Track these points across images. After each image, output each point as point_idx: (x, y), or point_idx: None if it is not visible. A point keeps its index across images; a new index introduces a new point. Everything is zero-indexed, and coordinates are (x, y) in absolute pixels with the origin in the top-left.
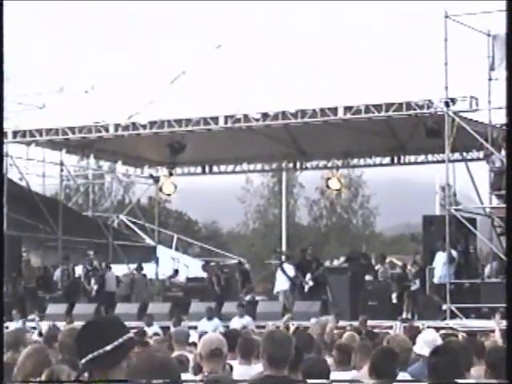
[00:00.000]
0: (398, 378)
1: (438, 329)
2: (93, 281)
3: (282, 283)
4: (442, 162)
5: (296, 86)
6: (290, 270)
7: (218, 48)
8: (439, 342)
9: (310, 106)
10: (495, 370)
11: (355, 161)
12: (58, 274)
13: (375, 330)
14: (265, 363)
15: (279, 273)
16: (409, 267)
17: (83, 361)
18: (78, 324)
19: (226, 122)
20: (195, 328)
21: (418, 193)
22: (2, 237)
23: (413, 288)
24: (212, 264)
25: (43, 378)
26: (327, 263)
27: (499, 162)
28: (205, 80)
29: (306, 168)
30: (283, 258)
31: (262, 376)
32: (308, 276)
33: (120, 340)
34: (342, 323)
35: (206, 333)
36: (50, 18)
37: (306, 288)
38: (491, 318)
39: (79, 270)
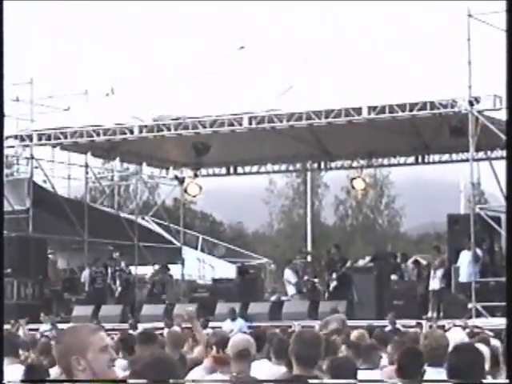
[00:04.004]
0: (436, 374)
1: (463, 327)
2: (118, 282)
3: (289, 288)
4: (467, 160)
5: (320, 86)
6: (290, 276)
7: (241, 49)
8: (466, 340)
9: (334, 106)
10: None
11: (379, 160)
12: (85, 275)
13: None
14: (293, 363)
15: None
16: (434, 266)
17: None
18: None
19: (250, 123)
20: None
21: (442, 192)
22: (2, 237)
23: (438, 287)
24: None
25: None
26: (350, 263)
27: None
28: (228, 81)
29: (331, 168)
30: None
31: (291, 376)
32: (333, 275)
33: None
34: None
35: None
36: (75, 19)
37: (331, 287)
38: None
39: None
